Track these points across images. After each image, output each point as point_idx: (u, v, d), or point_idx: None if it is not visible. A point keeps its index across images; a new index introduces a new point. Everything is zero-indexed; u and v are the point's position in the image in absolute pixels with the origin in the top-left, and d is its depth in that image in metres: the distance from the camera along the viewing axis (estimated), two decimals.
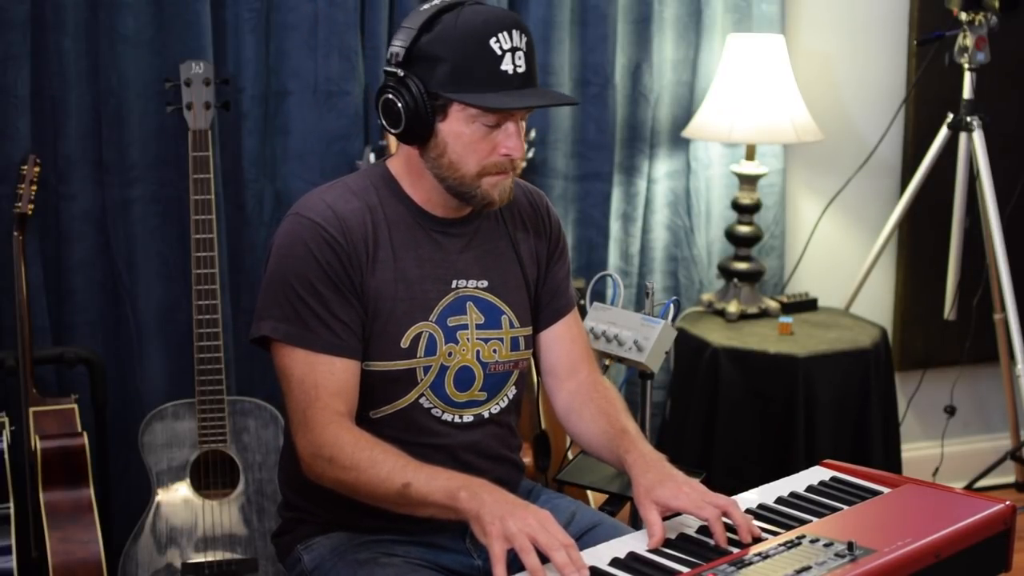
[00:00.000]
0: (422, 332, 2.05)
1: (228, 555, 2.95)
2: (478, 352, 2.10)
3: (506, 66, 1.95)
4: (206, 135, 2.95)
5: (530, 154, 3.39)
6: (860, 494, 2.03)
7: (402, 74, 1.97)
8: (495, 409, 2.14)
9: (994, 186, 3.54)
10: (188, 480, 2.97)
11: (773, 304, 3.69)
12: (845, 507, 1.97)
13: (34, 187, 2.88)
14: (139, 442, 2.98)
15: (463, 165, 2.00)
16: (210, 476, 3.00)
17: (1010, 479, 4.07)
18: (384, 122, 2.02)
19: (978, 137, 3.56)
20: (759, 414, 3.46)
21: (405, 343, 2.03)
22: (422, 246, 2.07)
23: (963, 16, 3.49)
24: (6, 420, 2.78)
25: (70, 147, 3.04)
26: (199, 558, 2.93)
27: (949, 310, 3.80)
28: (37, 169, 2.90)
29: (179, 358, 3.16)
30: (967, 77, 3.56)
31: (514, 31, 1.96)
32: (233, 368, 3.20)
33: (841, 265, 3.92)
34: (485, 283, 2.12)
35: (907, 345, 4.01)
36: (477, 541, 2.12)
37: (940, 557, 1.80)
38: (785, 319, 3.57)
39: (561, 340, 2.22)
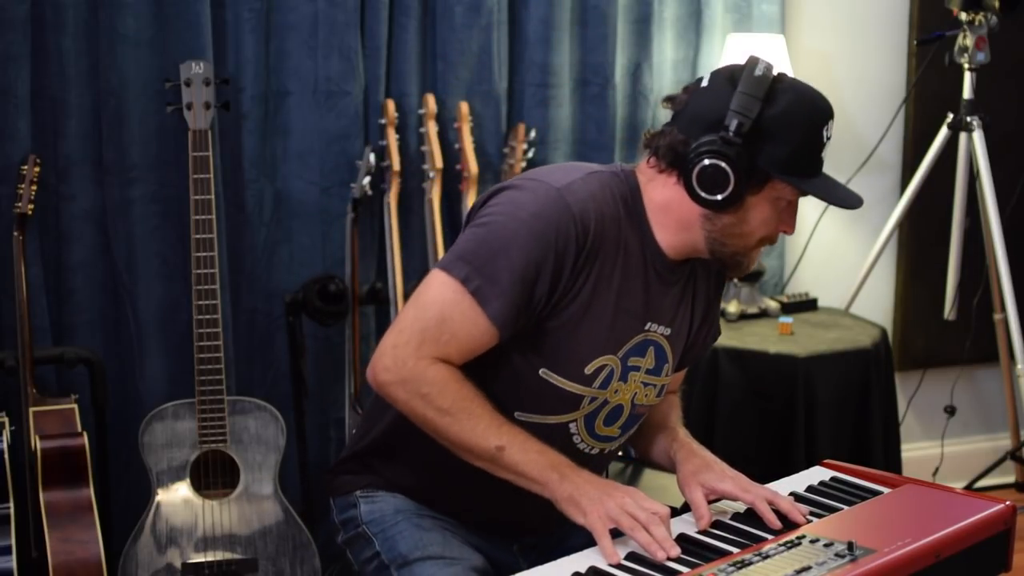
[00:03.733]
0: (607, 365, 2.00)
1: (228, 555, 2.95)
2: (635, 394, 2.06)
3: (824, 153, 1.97)
4: (206, 135, 2.94)
5: (529, 154, 3.39)
6: (860, 494, 2.03)
7: (741, 144, 1.89)
8: (615, 447, 2.13)
9: (994, 186, 3.54)
10: (188, 480, 2.97)
11: (773, 304, 3.69)
12: (845, 507, 1.97)
13: (34, 187, 2.88)
14: (139, 442, 2.97)
15: (751, 237, 1.98)
16: (210, 476, 3.00)
17: (1010, 479, 4.07)
18: (698, 187, 1.92)
19: (978, 137, 3.56)
20: (759, 414, 3.46)
21: (590, 370, 1.99)
22: (638, 280, 2.00)
23: (963, 16, 3.48)
24: (6, 420, 2.78)
25: (70, 147, 3.04)
26: (199, 558, 2.93)
27: (949, 310, 3.80)
28: (37, 169, 2.90)
29: (179, 358, 3.16)
30: (967, 77, 3.56)
31: (832, 119, 1.97)
32: (233, 368, 3.20)
33: (841, 265, 3.92)
34: (669, 331, 2.07)
35: (907, 345, 4.01)
36: (526, 551, 2.13)
37: (940, 557, 1.80)
38: (785, 319, 3.57)
39: (677, 377, 2.23)
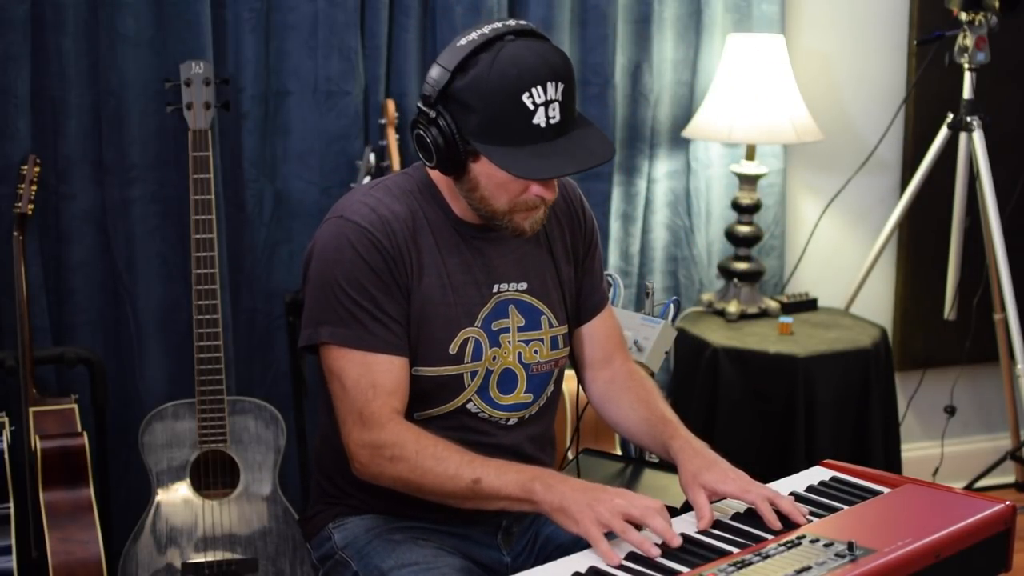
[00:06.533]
0: (469, 338, 2.06)
1: (228, 555, 2.95)
2: (519, 354, 2.11)
3: (538, 120, 1.91)
4: (206, 135, 2.95)
5: None
6: (860, 494, 2.03)
7: (434, 115, 1.95)
8: (535, 410, 2.16)
9: (994, 186, 3.54)
10: (188, 480, 2.97)
11: (773, 304, 3.69)
12: (845, 507, 1.97)
13: (34, 187, 2.88)
14: (139, 442, 2.98)
15: (495, 202, 2.00)
16: (210, 476, 3.00)
17: (1010, 479, 4.07)
18: (418, 153, 2.02)
19: (978, 137, 3.56)
20: (759, 414, 3.46)
21: (453, 349, 2.05)
22: (464, 252, 2.08)
23: (963, 16, 3.49)
24: (6, 420, 2.78)
25: (70, 147, 3.04)
26: (199, 558, 2.93)
27: (949, 310, 3.80)
28: (37, 169, 2.91)
29: (179, 358, 3.16)
30: (967, 77, 3.57)
31: (549, 83, 1.91)
32: (233, 368, 3.20)
33: (841, 265, 3.92)
34: (524, 285, 2.13)
35: (907, 345, 4.01)
36: (509, 539, 2.16)
37: (940, 557, 1.80)
38: (785, 319, 3.57)
39: (597, 333, 2.26)
